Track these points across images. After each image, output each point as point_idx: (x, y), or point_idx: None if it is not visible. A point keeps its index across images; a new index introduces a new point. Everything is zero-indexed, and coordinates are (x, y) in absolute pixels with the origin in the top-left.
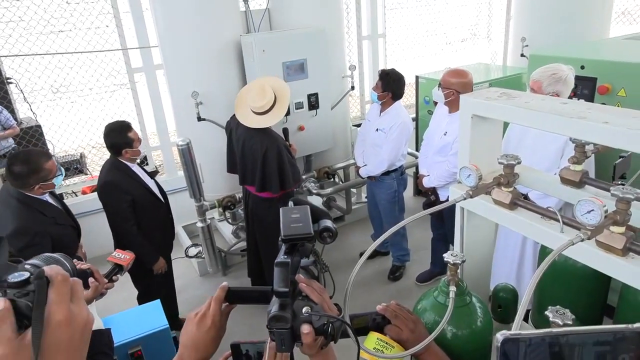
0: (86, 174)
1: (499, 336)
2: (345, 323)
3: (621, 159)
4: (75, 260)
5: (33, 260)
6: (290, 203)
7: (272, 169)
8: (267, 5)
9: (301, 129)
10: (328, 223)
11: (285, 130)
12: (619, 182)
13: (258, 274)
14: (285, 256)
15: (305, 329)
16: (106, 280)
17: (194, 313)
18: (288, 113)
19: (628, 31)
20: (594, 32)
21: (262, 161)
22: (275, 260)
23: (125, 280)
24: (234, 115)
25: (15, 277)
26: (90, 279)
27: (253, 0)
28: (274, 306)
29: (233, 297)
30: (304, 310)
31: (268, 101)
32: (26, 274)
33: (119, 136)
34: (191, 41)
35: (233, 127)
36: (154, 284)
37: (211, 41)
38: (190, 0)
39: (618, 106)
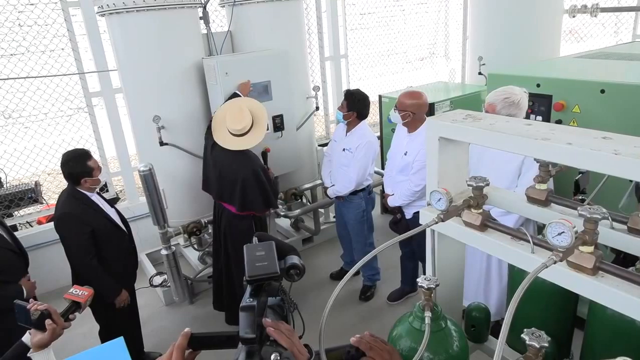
0: (42, 203)
1: None
2: None
3: (581, 174)
4: (31, 300)
5: None
6: (255, 239)
7: (253, 190)
8: (228, 27)
9: (267, 150)
10: (295, 259)
11: (264, 154)
12: (580, 197)
13: (228, 302)
14: (251, 299)
15: None
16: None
17: None
18: None
19: (576, 48)
20: (546, 51)
21: (242, 183)
22: (241, 304)
23: (85, 314)
24: (208, 133)
25: None
26: (48, 321)
27: (214, 22)
28: (240, 354)
29: (196, 343)
30: (272, 357)
31: (247, 124)
32: None
33: (77, 165)
34: (152, 64)
35: (208, 146)
36: (117, 318)
37: (172, 64)
38: (149, 22)
39: (574, 122)
